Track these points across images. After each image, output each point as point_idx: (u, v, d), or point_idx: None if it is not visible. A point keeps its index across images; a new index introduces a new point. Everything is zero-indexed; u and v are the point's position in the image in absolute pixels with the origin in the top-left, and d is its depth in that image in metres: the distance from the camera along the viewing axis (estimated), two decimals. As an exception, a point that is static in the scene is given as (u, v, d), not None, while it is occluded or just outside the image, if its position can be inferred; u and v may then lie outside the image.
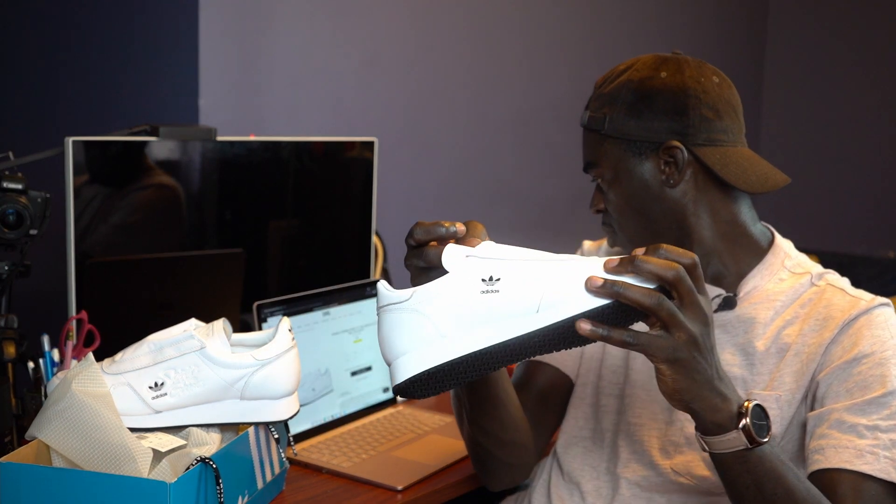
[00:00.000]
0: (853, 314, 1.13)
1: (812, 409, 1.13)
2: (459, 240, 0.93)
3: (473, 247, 0.89)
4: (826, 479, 1.05)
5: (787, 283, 1.20)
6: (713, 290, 1.21)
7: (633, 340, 0.87)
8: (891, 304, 1.15)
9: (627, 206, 1.22)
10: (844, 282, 1.21)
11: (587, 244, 1.44)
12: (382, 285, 0.91)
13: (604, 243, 1.40)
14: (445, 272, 0.88)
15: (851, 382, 1.09)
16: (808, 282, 1.20)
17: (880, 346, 1.10)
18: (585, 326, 0.85)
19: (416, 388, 0.89)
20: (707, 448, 0.95)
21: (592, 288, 0.86)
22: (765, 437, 0.93)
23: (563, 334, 0.86)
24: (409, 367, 0.88)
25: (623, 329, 0.87)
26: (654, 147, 1.19)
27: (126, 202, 1.60)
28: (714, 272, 1.22)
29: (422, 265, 0.93)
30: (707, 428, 0.93)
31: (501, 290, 0.86)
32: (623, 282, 0.86)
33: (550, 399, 1.33)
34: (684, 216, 1.20)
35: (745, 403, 0.92)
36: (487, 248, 0.89)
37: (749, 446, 0.92)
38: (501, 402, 1.18)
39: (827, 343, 1.13)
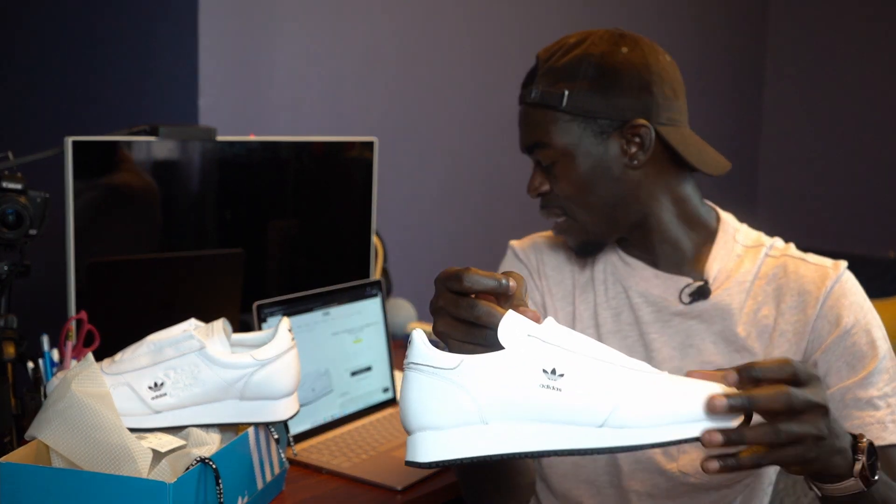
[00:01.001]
0: (828, 286, 1.14)
1: None
2: (509, 300, 0.81)
3: (535, 321, 0.77)
4: None
5: (748, 261, 1.19)
6: (681, 281, 1.19)
7: (766, 460, 0.79)
8: (846, 263, 1.18)
9: (583, 189, 1.16)
10: (794, 248, 1.21)
11: (516, 245, 1.34)
12: (420, 338, 0.77)
13: (536, 240, 1.33)
14: (497, 342, 0.76)
15: (849, 355, 1.11)
16: (763, 255, 1.19)
17: (861, 312, 1.13)
18: (713, 466, 0.77)
19: (435, 466, 0.77)
20: (820, 493, 0.89)
21: (717, 410, 0.74)
22: (876, 476, 0.87)
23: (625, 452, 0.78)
24: (439, 450, 0.75)
25: (750, 451, 0.79)
26: (618, 125, 1.14)
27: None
28: (677, 259, 1.20)
29: (469, 319, 0.79)
30: (823, 479, 0.86)
31: (564, 391, 0.74)
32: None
33: None
34: (644, 198, 1.17)
35: (861, 444, 0.86)
36: (553, 329, 0.76)
37: (865, 489, 0.86)
38: (520, 472, 1.13)
39: (812, 320, 1.13)
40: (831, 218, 3.85)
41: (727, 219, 1.23)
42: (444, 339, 0.82)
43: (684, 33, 3.48)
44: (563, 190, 1.17)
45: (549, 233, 1.33)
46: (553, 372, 0.74)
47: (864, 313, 1.13)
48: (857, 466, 0.84)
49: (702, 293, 1.17)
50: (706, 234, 1.21)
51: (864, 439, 0.85)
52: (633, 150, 1.15)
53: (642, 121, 1.14)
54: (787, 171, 4.02)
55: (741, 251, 1.20)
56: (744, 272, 1.18)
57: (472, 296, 0.80)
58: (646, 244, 1.21)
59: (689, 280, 1.18)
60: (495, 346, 0.76)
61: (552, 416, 0.74)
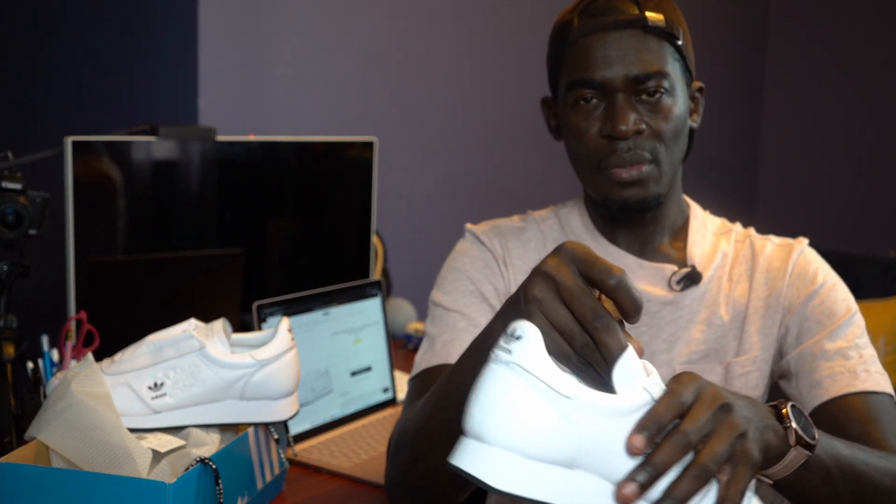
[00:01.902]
0: (794, 257, 1.16)
1: (786, 354, 1.13)
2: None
3: (639, 351, 0.68)
4: (834, 409, 1.04)
5: (722, 245, 1.19)
6: (667, 269, 1.16)
7: (700, 475, 0.67)
8: (807, 240, 1.21)
9: (678, 133, 1.10)
10: (754, 230, 1.22)
11: (476, 229, 1.25)
12: (538, 340, 0.64)
13: (498, 224, 1.24)
14: (612, 379, 0.66)
15: (818, 313, 1.11)
16: (733, 239, 1.20)
17: (824, 275, 1.14)
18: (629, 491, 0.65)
19: (473, 482, 0.65)
20: (770, 481, 0.82)
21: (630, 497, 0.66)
22: (814, 438, 0.80)
23: None
24: (519, 479, 0.64)
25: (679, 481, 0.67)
26: (690, 81, 1.14)
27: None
28: (661, 242, 1.18)
29: (581, 322, 0.68)
30: (766, 465, 0.79)
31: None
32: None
33: None
34: (682, 159, 1.17)
35: (784, 410, 0.78)
36: (658, 384, 0.67)
37: (810, 454, 0.79)
38: None
39: (783, 290, 1.14)
40: (831, 218, 3.85)
41: (695, 205, 1.24)
42: (530, 306, 0.70)
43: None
44: (664, 129, 1.08)
45: (512, 218, 1.26)
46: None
47: (831, 276, 1.15)
48: (792, 435, 0.77)
49: (692, 279, 1.15)
50: (683, 219, 1.21)
51: (787, 404, 0.79)
52: (693, 110, 1.16)
53: (701, 84, 1.16)
54: (787, 171, 4.02)
55: (712, 237, 1.20)
56: (721, 255, 1.18)
57: (598, 296, 0.70)
58: (650, 219, 1.17)
59: (674, 267, 1.16)
60: (580, 363, 0.68)
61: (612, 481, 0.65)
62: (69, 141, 1.44)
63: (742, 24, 3.93)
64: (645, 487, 0.65)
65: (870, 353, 1.09)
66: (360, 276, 1.88)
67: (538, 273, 0.70)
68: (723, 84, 3.80)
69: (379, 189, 1.93)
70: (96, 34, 2.27)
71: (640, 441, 0.64)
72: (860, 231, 3.77)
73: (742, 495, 0.67)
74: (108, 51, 2.25)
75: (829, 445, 0.84)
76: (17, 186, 1.35)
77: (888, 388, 1.06)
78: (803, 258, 1.16)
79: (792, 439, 0.77)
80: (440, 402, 0.88)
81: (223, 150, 1.69)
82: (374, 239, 1.96)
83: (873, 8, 3.79)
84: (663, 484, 0.66)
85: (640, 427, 0.65)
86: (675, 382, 0.68)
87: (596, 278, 0.68)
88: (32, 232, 1.36)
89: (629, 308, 0.68)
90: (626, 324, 0.70)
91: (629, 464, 0.65)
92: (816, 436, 0.80)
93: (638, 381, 0.66)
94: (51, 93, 2.38)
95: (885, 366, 3.08)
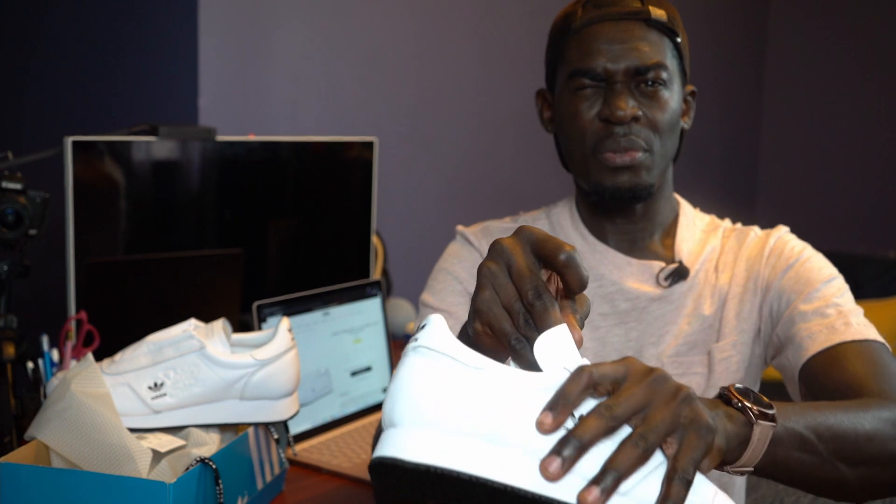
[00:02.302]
0: (771, 241, 1.17)
1: (773, 330, 1.13)
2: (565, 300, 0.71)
3: (578, 343, 0.67)
4: (816, 366, 1.02)
5: (711, 241, 1.21)
6: (655, 266, 1.17)
7: (632, 452, 0.62)
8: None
9: (673, 125, 1.13)
10: (740, 225, 1.24)
11: (466, 230, 1.26)
12: (440, 323, 0.64)
13: (489, 226, 1.24)
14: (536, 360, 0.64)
15: (794, 282, 1.12)
16: (720, 234, 1.22)
17: (800, 249, 1.16)
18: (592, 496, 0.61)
19: (402, 478, 0.61)
20: (752, 468, 0.77)
21: (555, 474, 0.61)
22: (770, 407, 0.75)
23: None
24: (435, 453, 0.60)
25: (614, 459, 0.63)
26: (684, 83, 1.17)
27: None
28: (651, 239, 1.20)
29: (522, 296, 0.69)
30: (734, 458, 0.75)
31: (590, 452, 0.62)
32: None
33: None
34: (674, 156, 1.18)
35: (730, 392, 0.75)
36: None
37: (775, 423, 0.75)
38: None
39: (760, 273, 1.15)
40: (831, 218, 3.85)
41: (685, 203, 1.25)
42: (485, 280, 0.70)
43: (685, 32, 3.48)
44: (659, 120, 1.11)
45: (503, 219, 1.27)
46: (573, 416, 0.62)
47: (809, 250, 1.16)
48: (749, 413, 0.73)
49: (680, 274, 1.17)
50: (673, 217, 1.23)
51: (730, 386, 0.75)
52: (686, 112, 1.19)
53: (694, 88, 1.19)
54: (787, 171, 4.02)
55: (700, 234, 1.22)
56: (709, 249, 1.20)
57: (547, 274, 0.71)
58: (640, 214, 1.19)
59: (662, 263, 1.18)
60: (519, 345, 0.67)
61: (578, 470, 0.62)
62: (69, 141, 1.44)
63: (742, 24, 3.93)
64: (569, 462, 0.60)
65: (850, 308, 1.07)
66: (360, 276, 1.88)
67: (494, 250, 0.71)
68: (723, 84, 3.80)
69: (379, 189, 1.93)
70: (97, 34, 2.27)
71: (546, 418, 0.61)
72: (860, 231, 3.77)
73: (693, 465, 0.62)
74: (108, 51, 2.25)
75: (794, 412, 0.80)
76: (18, 186, 1.35)
77: (873, 336, 1.03)
78: (780, 240, 1.18)
79: (751, 417, 0.73)
80: None
81: (223, 150, 1.69)
82: (374, 239, 1.96)
83: (873, 8, 3.79)
84: (601, 459, 0.62)
85: (549, 404, 0.62)
86: (598, 363, 0.64)
87: (547, 255, 0.69)
88: (32, 232, 1.36)
89: (574, 283, 0.69)
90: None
91: (550, 441, 0.62)
92: (773, 406, 0.76)
93: (562, 361, 0.64)
94: (51, 93, 2.38)
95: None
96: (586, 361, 0.65)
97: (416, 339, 0.64)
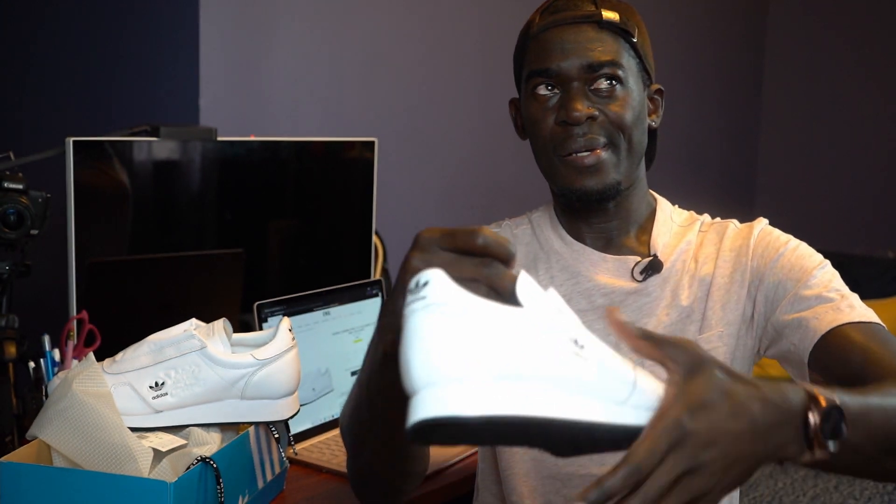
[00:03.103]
0: (755, 233, 1.18)
1: (767, 320, 1.14)
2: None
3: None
4: (829, 343, 1.04)
5: (688, 235, 1.22)
6: (630, 261, 1.19)
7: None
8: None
9: (636, 121, 1.15)
10: (720, 219, 1.25)
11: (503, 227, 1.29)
12: (442, 276, 0.64)
13: (501, 225, 1.28)
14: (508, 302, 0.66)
15: (788, 270, 1.13)
16: (697, 229, 1.23)
17: (785, 239, 1.17)
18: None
19: (444, 432, 0.62)
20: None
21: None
22: (843, 432, 0.72)
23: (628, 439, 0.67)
24: (483, 402, 0.61)
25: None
26: (648, 83, 1.19)
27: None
28: (626, 235, 1.21)
29: (476, 278, 0.71)
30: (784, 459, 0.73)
31: (589, 361, 0.66)
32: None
33: None
34: (643, 154, 1.20)
35: (810, 413, 0.71)
36: (561, 301, 0.68)
37: (830, 453, 0.72)
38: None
39: (747, 264, 1.16)
40: (831, 218, 3.86)
41: (662, 200, 1.27)
42: None
43: (684, 33, 3.48)
44: (618, 116, 1.13)
45: (489, 226, 1.28)
46: (576, 342, 0.66)
47: (794, 240, 1.17)
48: (811, 439, 0.71)
49: (654, 267, 1.18)
50: (649, 213, 1.24)
51: (822, 403, 0.71)
52: (653, 111, 1.20)
53: (660, 87, 1.21)
54: (787, 171, 4.02)
55: (677, 229, 1.23)
56: (685, 242, 1.21)
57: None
58: (613, 212, 1.20)
59: (637, 258, 1.20)
60: None
61: (580, 386, 0.65)
62: (70, 141, 1.44)
63: (741, 24, 3.93)
64: None
65: (849, 292, 1.09)
66: (360, 276, 1.88)
67: (412, 272, 0.71)
68: (722, 84, 3.80)
69: (379, 189, 1.93)
70: (98, 35, 2.27)
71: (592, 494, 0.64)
72: (860, 231, 3.77)
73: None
74: (109, 51, 2.26)
75: (861, 408, 0.76)
76: (19, 186, 1.36)
77: (875, 319, 1.06)
78: (763, 231, 1.19)
79: (812, 449, 0.71)
80: (355, 404, 0.94)
81: (224, 150, 1.70)
82: (375, 239, 1.96)
83: (873, 8, 3.79)
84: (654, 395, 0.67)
85: (598, 482, 0.64)
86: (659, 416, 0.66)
87: (462, 247, 0.72)
88: (34, 232, 1.36)
89: (502, 255, 0.71)
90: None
91: (568, 374, 0.64)
92: (846, 432, 0.72)
93: (540, 296, 0.67)
94: (52, 93, 2.38)
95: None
96: (553, 291, 0.68)
97: (422, 298, 0.63)
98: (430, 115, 2.65)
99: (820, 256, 1.15)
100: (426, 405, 0.61)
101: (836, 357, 1.03)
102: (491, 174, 2.82)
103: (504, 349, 0.62)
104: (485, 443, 0.63)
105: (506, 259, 0.72)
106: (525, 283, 0.67)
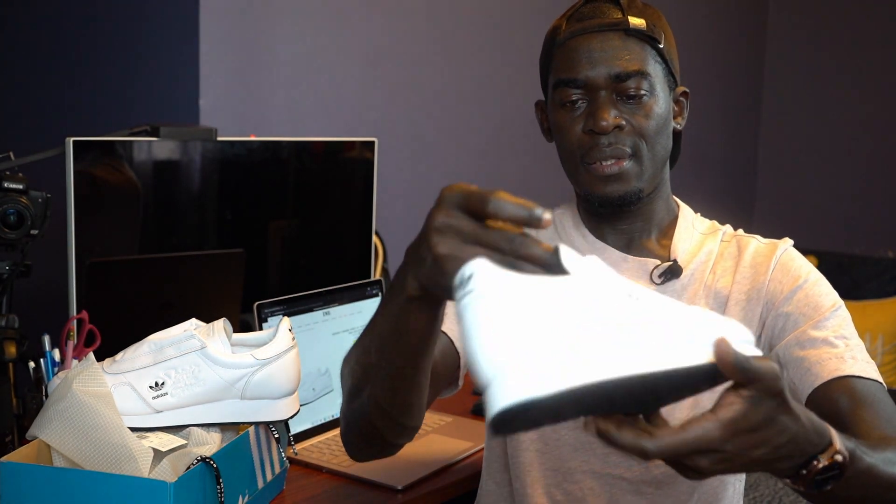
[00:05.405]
0: (777, 254, 1.19)
1: (771, 347, 1.15)
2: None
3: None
4: (826, 392, 1.06)
5: (708, 243, 1.22)
6: (650, 263, 1.20)
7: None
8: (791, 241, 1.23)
9: (660, 131, 1.15)
10: (742, 231, 1.26)
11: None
12: (484, 267, 0.64)
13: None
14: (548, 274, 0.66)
15: (803, 305, 1.14)
16: (719, 238, 1.23)
17: (807, 271, 1.17)
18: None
19: (525, 417, 0.62)
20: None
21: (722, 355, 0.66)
22: (838, 476, 0.75)
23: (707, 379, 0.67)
24: (557, 378, 0.61)
25: None
26: (674, 86, 1.20)
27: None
28: (648, 238, 1.22)
29: (502, 250, 0.69)
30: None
31: (648, 310, 0.66)
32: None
33: (439, 372, 1.10)
34: (667, 158, 1.21)
35: (816, 462, 0.73)
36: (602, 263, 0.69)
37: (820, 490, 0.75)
38: (422, 390, 0.95)
39: (765, 284, 1.17)
40: (831, 218, 3.85)
41: (685, 207, 1.27)
42: (447, 265, 0.71)
43: (683, 33, 3.48)
44: (644, 126, 1.14)
45: None
46: (630, 296, 0.66)
47: (815, 273, 1.18)
48: (803, 479, 0.73)
49: (673, 272, 1.19)
50: (671, 219, 1.25)
51: (834, 450, 0.73)
52: (678, 113, 1.21)
53: (685, 89, 1.21)
54: (787, 171, 4.02)
55: (698, 237, 1.24)
56: (706, 251, 1.22)
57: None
58: (635, 215, 1.21)
59: (657, 261, 1.20)
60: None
61: (646, 338, 0.64)
62: (70, 141, 1.44)
63: (741, 24, 3.94)
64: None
65: (856, 343, 1.11)
66: (360, 276, 1.88)
67: (435, 231, 0.72)
68: (722, 84, 3.80)
69: (379, 189, 1.93)
70: (98, 35, 2.27)
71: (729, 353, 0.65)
72: (859, 231, 3.77)
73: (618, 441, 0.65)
74: (109, 51, 2.26)
75: (852, 480, 0.78)
76: (19, 186, 1.36)
77: (876, 377, 1.08)
78: (786, 255, 1.19)
79: (797, 477, 0.74)
80: (362, 350, 0.91)
81: (224, 150, 1.70)
82: (374, 239, 1.96)
83: (873, 8, 3.79)
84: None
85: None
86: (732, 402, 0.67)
87: (477, 212, 0.71)
88: (34, 232, 1.36)
89: (520, 220, 0.69)
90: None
91: (633, 328, 0.64)
92: (831, 486, 0.74)
93: (585, 260, 0.67)
94: (52, 93, 2.38)
95: (884, 365, 3.09)
96: (594, 257, 0.68)
97: (471, 291, 0.63)
98: (430, 115, 2.65)
99: (836, 296, 1.15)
100: (500, 396, 0.61)
101: (827, 408, 1.05)
102: (491, 174, 2.82)
103: (562, 320, 0.62)
104: (568, 417, 0.62)
105: (526, 223, 0.69)
106: (567, 252, 0.67)
